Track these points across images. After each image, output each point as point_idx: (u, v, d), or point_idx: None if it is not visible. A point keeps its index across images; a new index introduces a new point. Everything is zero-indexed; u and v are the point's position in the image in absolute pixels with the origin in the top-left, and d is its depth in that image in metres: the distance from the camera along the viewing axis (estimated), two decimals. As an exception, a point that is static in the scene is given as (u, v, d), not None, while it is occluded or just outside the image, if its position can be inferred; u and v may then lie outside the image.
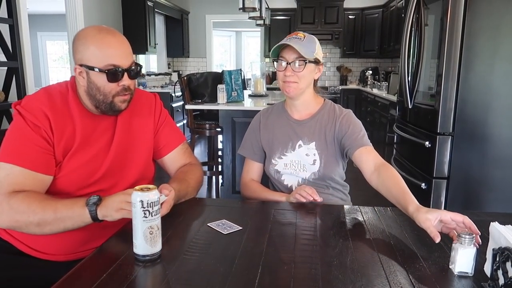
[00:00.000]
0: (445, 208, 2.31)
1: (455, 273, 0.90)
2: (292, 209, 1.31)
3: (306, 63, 1.43)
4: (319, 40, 1.51)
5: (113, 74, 1.16)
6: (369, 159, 1.40)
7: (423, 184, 2.37)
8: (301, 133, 1.53)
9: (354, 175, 1.72)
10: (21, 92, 3.01)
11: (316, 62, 1.47)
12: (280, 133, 1.57)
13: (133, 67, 1.20)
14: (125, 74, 1.18)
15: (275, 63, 1.50)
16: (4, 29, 2.97)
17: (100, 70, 1.15)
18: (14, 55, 2.98)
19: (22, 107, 1.15)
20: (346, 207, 1.35)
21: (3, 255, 1.18)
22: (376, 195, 1.40)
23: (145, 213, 0.92)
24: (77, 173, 1.19)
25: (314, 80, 1.53)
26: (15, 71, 3.00)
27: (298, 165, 1.52)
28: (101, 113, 1.23)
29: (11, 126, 1.17)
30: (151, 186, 0.95)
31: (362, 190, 1.70)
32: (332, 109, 1.56)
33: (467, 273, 0.89)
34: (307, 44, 1.44)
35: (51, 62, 9.21)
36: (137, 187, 0.94)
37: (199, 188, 1.38)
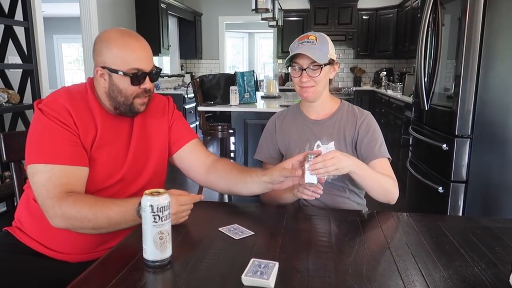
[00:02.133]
0: (463, 213, 2.27)
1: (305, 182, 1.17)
2: (306, 214, 1.27)
3: (321, 67, 1.41)
4: (332, 41, 1.48)
5: (136, 78, 1.18)
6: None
7: (440, 188, 2.31)
8: (319, 133, 1.50)
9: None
10: (36, 94, 3.04)
11: (331, 62, 1.44)
12: (297, 134, 1.53)
13: (154, 71, 1.22)
14: (147, 77, 1.20)
15: (289, 68, 1.47)
16: (20, 32, 3.00)
17: (124, 74, 1.16)
18: (29, 58, 3.01)
19: (45, 105, 1.16)
20: (361, 212, 1.31)
21: (18, 256, 1.18)
22: (392, 205, 1.38)
23: (155, 218, 0.90)
24: (97, 173, 1.19)
25: (329, 79, 1.50)
26: (30, 73, 3.03)
27: None
28: (119, 114, 1.24)
29: (35, 126, 1.16)
30: (161, 190, 0.93)
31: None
32: (351, 110, 1.53)
33: (313, 183, 1.17)
34: (320, 46, 1.41)
35: (67, 64, 9.34)
36: (147, 191, 0.92)
37: None
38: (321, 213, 1.29)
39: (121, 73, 1.16)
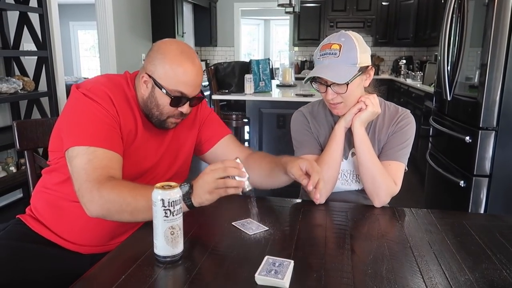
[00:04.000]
0: (485, 209, 2.20)
1: None
2: (323, 209, 1.23)
3: (348, 84, 1.25)
4: (350, 28, 1.35)
5: (177, 101, 1.16)
6: None
7: (462, 182, 2.24)
8: (352, 140, 1.34)
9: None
10: (51, 81, 3.04)
11: (362, 70, 1.27)
12: (327, 139, 1.38)
13: (196, 98, 1.20)
14: (187, 102, 1.18)
15: (313, 84, 1.32)
16: (34, 18, 3.00)
17: (167, 93, 1.14)
18: (44, 45, 3.00)
19: (88, 90, 1.12)
20: (380, 207, 1.27)
21: (29, 245, 1.17)
22: (411, 196, 1.32)
23: (166, 213, 0.87)
24: (123, 171, 1.14)
25: (364, 87, 1.35)
26: (45, 61, 3.03)
27: (351, 176, 1.40)
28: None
29: (75, 108, 1.12)
30: (172, 183, 0.90)
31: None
32: (388, 110, 1.38)
33: None
34: (345, 57, 1.23)
35: (83, 51, 9.39)
36: (158, 185, 0.89)
37: None
38: (338, 208, 1.25)
39: (164, 91, 1.14)
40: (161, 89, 1.14)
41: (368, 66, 1.29)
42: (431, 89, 3.62)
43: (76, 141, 1.07)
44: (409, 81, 5.19)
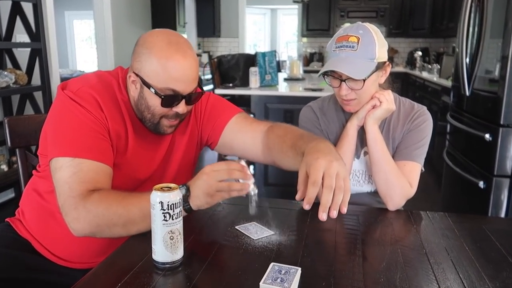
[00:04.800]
0: (507, 212, 2.18)
1: None
2: (332, 212, 1.22)
3: (364, 80, 1.24)
4: (362, 18, 1.35)
5: (169, 100, 1.08)
6: None
7: (481, 182, 2.23)
8: (364, 139, 1.34)
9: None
10: (45, 74, 3.06)
11: (379, 66, 1.27)
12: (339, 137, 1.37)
13: (194, 93, 1.12)
14: (183, 100, 1.10)
15: (326, 77, 1.31)
16: (28, 8, 3.01)
17: (156, 93, 1.06)
18: (38, 36, 3.01)
19: (74, 93, 1.06)
20: (394, 211, 1.26)
21: (16, 252, 1.16)
22: (426, 197, 1.31)
23: (165, 216, 0.87)
24: (117, 184, 1.11)
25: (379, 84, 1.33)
26: (39, 53, 3.05)
27: (363, 176, 1.39)
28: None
29: (60, 113, 1.07)
30: (172, 185, 0.89)
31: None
32: (403, 107, 1.37)
33: None
34: (363, 51, 1.21)
35: (79, 42, 9.41)
36: (156, 186, 0.88)
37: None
38: (348, 211, 1.24)
39: (153, 90, 1.06)
40: (149, 89, 1.07)
41: (385, 62, 1.29)
42: (448, 83, 3.59)
43: (60, 152, 1.02)
44: (424, 75, 5.17)
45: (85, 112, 1.05)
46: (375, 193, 1.37)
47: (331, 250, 0.99)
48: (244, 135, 1.25)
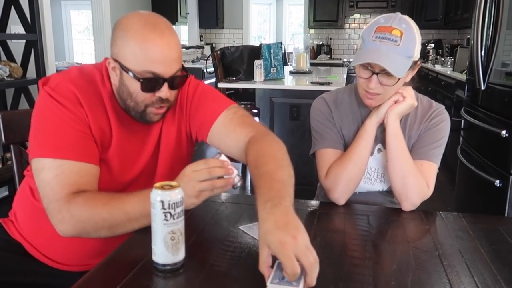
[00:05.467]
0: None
1: None
2: (341, 212, 1.23)
3: (399, 78, 1.22)
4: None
5: (149, 84, 1.05)
6: None
7: (497, 181, 2.23)
8: (382, 134, 1.34)
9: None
10: (41, 67, 3.07)
11: (412, 65, 1.25)
12: (355, 132, 1.37)
13: (177, 76, 1.09)
14: (165, 84, 1.07)
15: (356, 69, 1.30)
16: (23, -2, 3.01)
17: (135, 76, 1.04)
18: (33, 27, 3.02)
19: (53, 89, 1.06)
20: (406, 211, 1.25)
21: (8, 255, 1.17)
22: (439, 196, 1.30)
23: (165, 216, 0.86)
24: (107, 183, 1.11)
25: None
26: (34, 44, 3.06)
27: (375, 174, 1.38)
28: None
29: (41, 112, 1.07)
30: (173, 183, 0.89)
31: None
32: (422, 105, 1.37)
33: None
34: (406, 48, 1.19)
35: (76, 33, 9.44)
36: (157, 184, 0.88)
37: (288, 165, 1.05)
38: (358, 211, 1.24)
39: (131, 74, 1.04)
40: (128, 73, 1.04)
41: (417, 61, 1.28)
42: (462, 77, 3.58)
43: (41, 152, 1.03)
44: (438, 68, 5.14)
45: (64, 110, 1.05)
46: (387, 192, 1.37)
47: (339, 252, 0.99)
48: (229, 141, 1.21)
